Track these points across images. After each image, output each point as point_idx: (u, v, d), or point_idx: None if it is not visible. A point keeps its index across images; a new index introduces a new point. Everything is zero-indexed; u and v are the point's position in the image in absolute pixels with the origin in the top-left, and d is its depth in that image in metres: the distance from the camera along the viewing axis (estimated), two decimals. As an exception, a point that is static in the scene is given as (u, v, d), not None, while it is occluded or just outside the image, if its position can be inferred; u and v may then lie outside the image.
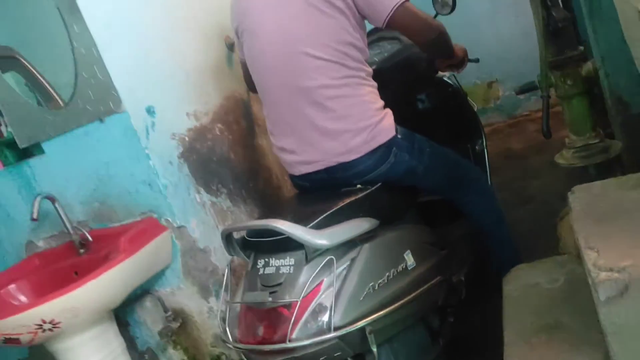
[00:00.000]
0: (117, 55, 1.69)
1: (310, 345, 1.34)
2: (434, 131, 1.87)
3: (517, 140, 3.88)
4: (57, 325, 1.52)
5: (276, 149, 1.76)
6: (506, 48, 4.06)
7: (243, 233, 1.55)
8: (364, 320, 1.39)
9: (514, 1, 3.98)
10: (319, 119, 1.60)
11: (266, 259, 1.46)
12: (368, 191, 1.59)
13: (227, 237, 1.51)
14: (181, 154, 1.85)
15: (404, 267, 1.55)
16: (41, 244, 1.97)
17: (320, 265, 1.39)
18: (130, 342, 1.94)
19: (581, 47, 1.74)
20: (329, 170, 1.65)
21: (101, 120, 1.71)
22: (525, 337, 1.50)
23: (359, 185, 1.63)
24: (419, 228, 1.74)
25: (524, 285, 1.71)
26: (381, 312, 1.43)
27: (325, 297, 1.38)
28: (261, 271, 1.45)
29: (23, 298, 1.76)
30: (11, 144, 1.88)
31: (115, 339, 1.76)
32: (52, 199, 1.77)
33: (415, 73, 2.05)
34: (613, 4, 1.32)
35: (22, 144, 1.83)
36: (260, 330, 1.41)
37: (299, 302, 1.34)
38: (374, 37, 2.10)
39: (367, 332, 1.39)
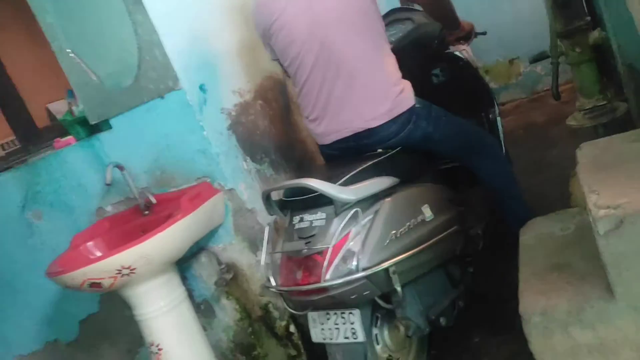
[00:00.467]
0: (174, 40, 1.93)
1: (341, 285, 1.51)
2: (449, 103, 2.04)
3: (538, 114, 4.02)
4: (133, 271, 1.77)
5: (307, 121, 1.94)
6: (526, 26, 4.16)
7: (280, 194, 1.75)
8: (388, 262, 1.56)
9: (533, -20, 4.09)
10: (347, 89, 1.78)
11: (301, 215, 1.65)
12: (389, 154, 1.78)
13: (267, 198, 1.71)
14: (229, 126, 2.09)
15: (422, 218, 1.73)
16: (109, 209, 2.24)
17: (348, 217, 1.56)
18: (188, 294, 2.17)
19: (588, 18, 1.90)
20: (356, 137, 1.82)
21: (162, 97, 1.96)
22: (538, 275, 1.69)
23: (380, 150, 1.81)
24: (437, 187, 1.91)
25: (539, 234, 1.89)
26: (403, 256, 1.61)
27: (353, 244, 1.56)
28: (297, 225, 1.65)
29: (99, 253, 2.02)
30: (82, 121, 2.14)
31: (178, 287, 2.01)
32: (121, 168, 2.03)
33: (429, 50, 2.19)
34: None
35: (92, 121, 2.09)
36: (299, 275, 1.60)
37: (330, 249, 1.51)
38: (389, 19, 2.27)
39: (390, 273, 1.57)
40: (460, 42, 2.14)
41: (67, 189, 2.26)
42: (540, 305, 1.55)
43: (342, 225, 1.55)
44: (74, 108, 2.14)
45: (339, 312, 1.65)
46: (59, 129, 2.42)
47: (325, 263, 1.51)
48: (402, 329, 1.75)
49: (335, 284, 1.51)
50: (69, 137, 2.21)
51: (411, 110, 1.79)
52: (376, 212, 1.62)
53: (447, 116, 1.90)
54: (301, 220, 1.65)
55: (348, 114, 1.80)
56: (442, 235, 1.78)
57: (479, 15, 3.87)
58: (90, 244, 2.05)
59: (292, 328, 2.13)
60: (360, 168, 1.67)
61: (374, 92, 1.77)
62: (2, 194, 2.37)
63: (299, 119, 2.45)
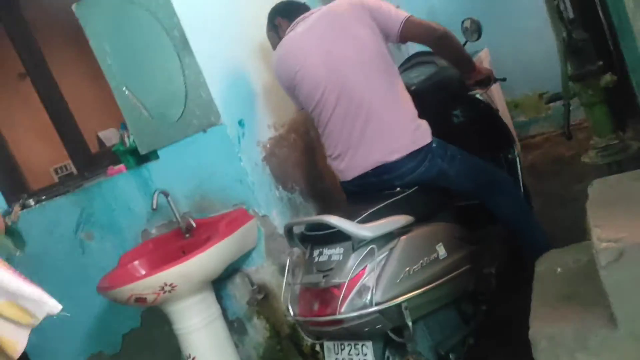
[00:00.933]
0: (217, 80, 2.14)
1: (355, 318, 1.59)
2: (468, 142, 2.13)
3: (565, 148, 4.09)
4: (174, 288, 1.96)
5: (330, 159, 2.06)
6: (555, 62, 4.26)
7: (302, 228, 1.85)
8: (401, 298, 1.64)
9: (562, 19, 4.19)
10: (367, 127, 1.90)
11: (320, 249, 1.74)
12: (405, 193, 1.88)
13: (289, 231, 1.81)
14: (264, 157, 2.28)
15: (435, 256, 1.80)
16: (154, 231, 2.45)
17: (364, 253, 1.65)
18: (222, 312, 2.33)
19: (600, 62, 2.03)
20: (375, 172, 1.93)
21: (204, 131, 2.17)
22: (549, 303, 1.78)
23: (398, 189, 1.91)
24: (452, 225, 1.97)
25: (551, 266, 2.00)
26: (415, 292, 1.68)
27: (368, 279, 1.63)
28: (316, 259, 1.74)
29: (143, 271, 2.23)
30: (133, 151, 2.37)
31: (213, 305, 2.19)
32: (166, 194, 2.24)
33: (450, 91, 2.30)
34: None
35: (142, 151, 2.32)
36: (316, 306, 1.68)
37: (346, 283, 1.60)
38: (413, 62, 2.40)
39: (403, 308, 1.64)
40: (479, 86, 2.24)
41: (117, 212, 2.49)
42: (548, 332, 1.64)
43: (358, 260, 1.64)
44: (126, 139, 2.37)
45: (352, 343, 1.72)
46: (109, 155, 2.65)
47: (341, 296, 1.60)
48: None
49: (350, 317, 1.60)
50: (121, 166, 2.43)
51: (428, 147, 1.91)
52: (391, 249, 1.71)
53: (462, 155, 2.00)
54: (320, 254, 1.74)
55: (368, 150, 1.92)
56: (454, 273, 1.85)
57: (509, 52, 4.03)
58: (136, 262, 2.25)
59: (317, 347, 2.27)
60: (378, 206, 1.76)
61: (392, 129, 1.89)
62: (60, 216, 2.62)
63: (327, 152, 2.62)
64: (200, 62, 2.09)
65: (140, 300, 1.99)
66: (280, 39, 2.10)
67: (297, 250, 1.90)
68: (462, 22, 2.29)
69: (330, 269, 1.68)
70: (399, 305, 1.64)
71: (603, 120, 2.06)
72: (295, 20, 2.08)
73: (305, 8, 2.17)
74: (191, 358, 2.12)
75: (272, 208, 2.24)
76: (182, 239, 2.28)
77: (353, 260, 1.66)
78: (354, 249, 1.68)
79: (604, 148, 2.07)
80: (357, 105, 1.91)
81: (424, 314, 1.77)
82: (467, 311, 1.99)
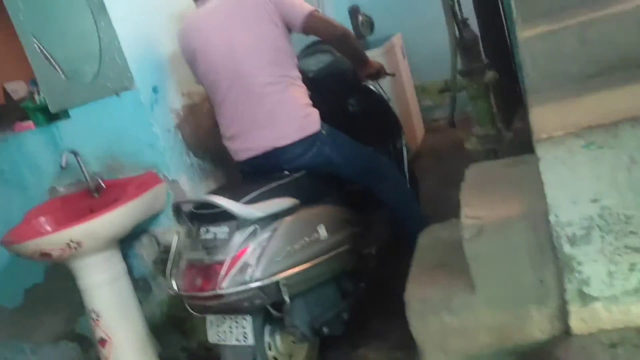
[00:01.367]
0: (132, 45, 2.18)
1: (235, 293, 1.69)
2: (360, 130, 2.27)
3: (463, 132, 4.42)
4: (80, 245, 2.03)
5: (225, 139, 2.16)
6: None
7: (190, 206, 1.92)
8: (279, 275, 1.75)
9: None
10: (258, 111, 2.00)
11: (207, 227, 1.82)
12: (291, 177, 1.99)
13: (177, 209, 1.87)
14: (177, 124, 2.36)
15: (317, 237, 1.92)
16: (62, 190, 2.47)
17: (248, 233, 1.74)
18: (128, 271, 2.38)
19: (485, 60, 2.29)
20: (265, 156, 2.03)
21: (118, 95, 2.22)
22: (425, 271, 2.02)
23: (286, 172, 2.02)
24: (336, 208, 2.11)
25: (432, 238, 2.22)
26: (293, 270, 1.80)
27: (250, 257, 1.73)
28: (203, 236, 1.81)
29: (50, 228, 2.26)
30: (42, 109, 2.36)
31: (119, 263, 2.27)
32: (75, 153, 2.27)
33: (346, 80, 2.43)
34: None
35: (53, 110, 2.33)
36: (199, 282, 1.76)
37: (228, 260, 1.69)
38: (313, 49, 2.51)
39: (281, 285, 1.75)
40: (371, 79, 2.40)
41: (24, 169, 2.48)
42: (420, 294, 1.89)
43: (242, 239, 1.74)
44: (36, 96, 2.36)
45: (233, 317, 1.82)
46: (16, 109, 2.61)
47: (222, 272, 1.69)
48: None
49: (230, 292, 1.69)
50: (29, 122, 2.42)
51: (316, 134, 2.02)
52: (275, 229, 1.81)
53: (350, 144, 2.14)
54: (207, 231, 1.82)
55: (259, 134, 2.03)
56: (333, 252, 1.97)
57: (421, 36, 4.25)
58: (42, 219, 2.28)
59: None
60: (265, 189, 1.86)
61: (282, 116, 2.01)
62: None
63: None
64: (116, 26, 2.12)
65: (45, 255, 2.04)
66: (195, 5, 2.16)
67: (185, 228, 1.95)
68: (351, 11, 2.38)
69: (215, 247, 1.77)
70: (277, 282, 1.75)
71: (484, 112, 2.34)
72: None
73: None
74: (95, 312, 2.20)
75: (182, 174, 2.34)
76: (91, 198, 2.33)
77: (237, 239, 1.74)
78: (238, 228, 1.76)
79: (483, 137, 2.35)
80: (248, 93, 2.01)
81: (303, 290, 1.88)
82: (347, 288, 2.13)
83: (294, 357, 2.02)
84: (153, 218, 2.35)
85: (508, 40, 2.42)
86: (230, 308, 1.77)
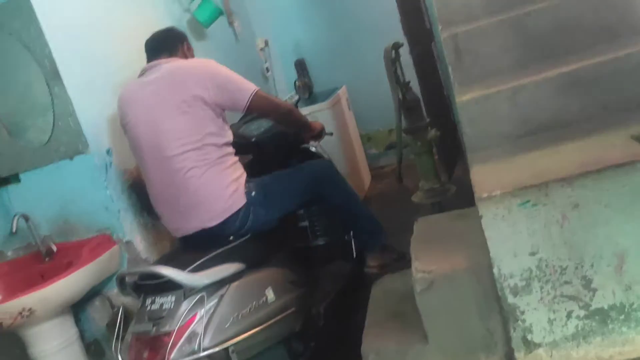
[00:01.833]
0: (86, 110, 2.21)
1: None
2: None
3: (408, 179, 4.59)
4: (32, 313, 1.98)
5: (159, 215, 2.17)
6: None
7: (135, 277, 1.90)
8: (228, 343, 1.76)
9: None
10: (182, 195, 2.00)
11: (153, 298, 1.81)
12: (235, 243, 2.00)
13: (121, 281, 1.86)
14: (130, 185, 2.37)
15: (264, 300, 1.94)
16: (10, 254, 2.41)
17: (195, 301, 1.74)
18: (80, 335, 2.31)
19: (428, 119, 2.45)
20: (199, 234, 2.03)
21: (71, 159, 2.22)
22: (379, 321, 2.09)
23: (231, 238, 2.02)
24: (282, 270, 2.12)
25: (385, 289, 2.31)
26: (241, 336, 1.81)
27: (197, 325, 1.73)
28: (149, 307, 1.80)
29: (-1, 296, 2.20)
30: (-9, 174, 2.33)
31: (71, 328, 2.22)
32: (26, 217, 2.24)
33: (286, 143, 2.51)
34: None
35: (2, 174, 2.30)
36: (146, 354, 1.74)
37: (175, 330, 1.68)
38: (253, 115, 2.55)
39: (230, 352, 1.76)
40: (313, 139, 2.51)
41: (-31, 232, 2.41)
42: (375, 346, 1.95)
43: (189, 308, 1.73)
44: (-16, 160, 2.33)
45: None
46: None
47: (170, 343, 1.67)
48: None
49: None
50: (-24, 186, 2.37)
51: (248, 203, 2.04)
52: (222, 295, 1.81)
53: (278, 180, 2.18)
54: (153, 302, 1.81)
55: (184, 218, 2.04)
56: (280, 316, 1.99)
57: (365, 88, 4.42)
58: (-11, 285, 2.22)
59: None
60: (210, 256, 1.88)
61: (206, 199, 2.00)
62: None
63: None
64: (70, 93, 2.15)
65: (-6, 325, 1.98)
66: None
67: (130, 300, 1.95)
68: (295, 82, 2.56)
69: (161, 317, 1.75)
70: (226, 349, 1.75)
71: (428, 167, 2.49)
72: (149, 64, 2.15)
73: (161, 48, 2.19)
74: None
75: (137, 234, 2.35)
76: (42, 262, 2.28)
77: (184, 308, 1.74)
78: (185, 297, 1.76)
79: (428, 190, 2.49)
80: (172, 177, 2.01)
81: (253, 355, 1.88)
82: (298, 349, 2.12)
83: None
84: (107, 280, 2.32)
85: (447, 99, 2.60)
86: None
